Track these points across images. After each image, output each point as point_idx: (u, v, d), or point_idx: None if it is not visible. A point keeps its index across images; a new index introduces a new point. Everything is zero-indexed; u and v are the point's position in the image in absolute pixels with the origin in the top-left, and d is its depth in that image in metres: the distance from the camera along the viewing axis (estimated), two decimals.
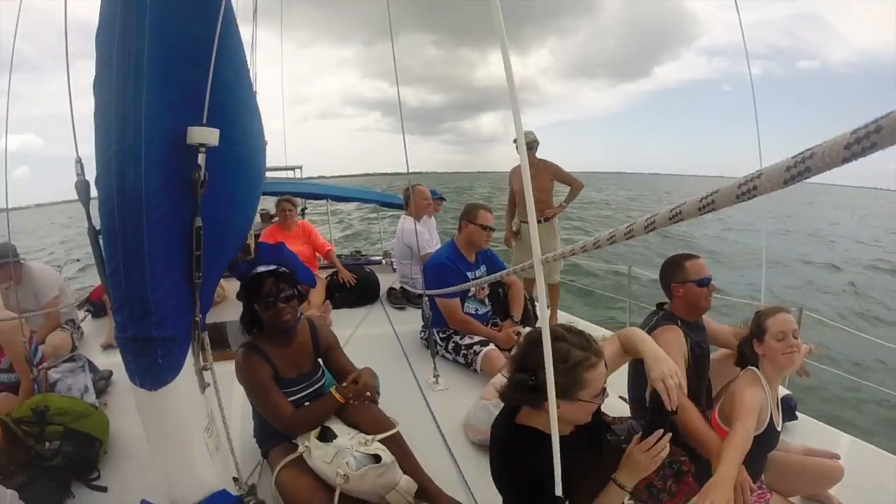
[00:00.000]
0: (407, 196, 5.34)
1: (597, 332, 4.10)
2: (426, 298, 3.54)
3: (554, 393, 1.27)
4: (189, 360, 1.66)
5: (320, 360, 2.60)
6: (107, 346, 4.44)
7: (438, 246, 4.69)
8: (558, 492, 1.31)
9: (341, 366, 2.56)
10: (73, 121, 1.81)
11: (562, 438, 1.58)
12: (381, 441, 2.23)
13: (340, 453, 2.16)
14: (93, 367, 3.61)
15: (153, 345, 1.50)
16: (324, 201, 8.11)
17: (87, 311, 5.41)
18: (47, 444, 2.69)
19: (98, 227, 1.57)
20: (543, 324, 1.30)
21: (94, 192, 1.60)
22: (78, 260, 11.67)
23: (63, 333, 4.29)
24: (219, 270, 1.77)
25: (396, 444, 2.26)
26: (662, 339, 2.12)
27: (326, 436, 2.27)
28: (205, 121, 1.49)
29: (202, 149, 1.48)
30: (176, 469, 1.74)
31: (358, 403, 2.38)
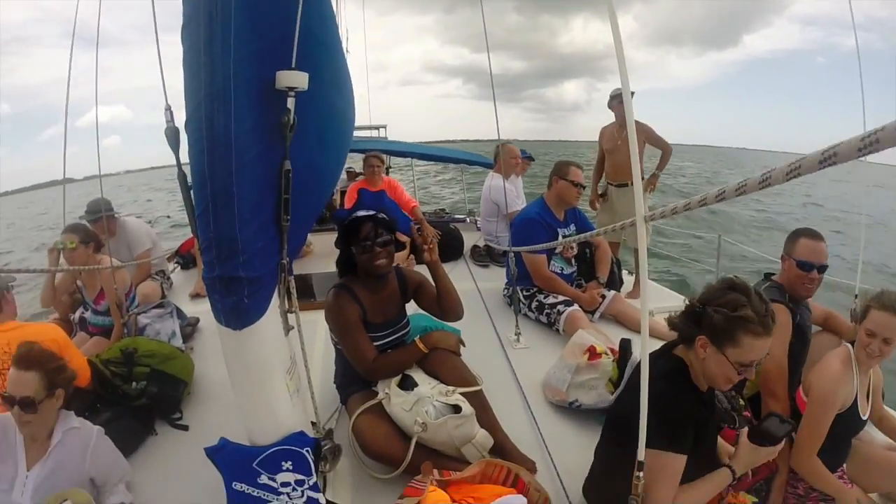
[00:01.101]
0: (496, 154, 5.29)
1: (677, 301, 3.99)
2: (512, 254, 3.50)
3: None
4: (274, 302, 1.68)
5: (407, 308, 2.63)
6: (195, 296, 4.70)
7: (524, 206, 4.61)
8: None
9: (433, 295, 2.57)
10: (161, 69, 1.87)
11: (697, 394, 1.68)
12: (461, 394, 2.22)
13: (420, 401, 2.17)
14: (181, 314, 3.77)
15: (239, 285, 1.51)
16: (407, 162, 8.14)
17: (176, 262, 5.74)
18: (134, 384, 2.82)
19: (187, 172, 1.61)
20: (644, 290, 1.24)
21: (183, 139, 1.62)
22: (168, 216, 12.26)
23: (153, 283, 4.53)
24: (306, 216, 1.77)
25: (476, 399, 2.26)
26: None
27: (407, 384, 2.29)
28: (293, 65, 1.47)
29: (291, 93, 1.47)
30: (256, 409, 1.77)
31: (439, 349, 2.42)
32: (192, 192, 1.53)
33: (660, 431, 1.47)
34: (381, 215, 2.40)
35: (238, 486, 1.78)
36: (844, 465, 2.20)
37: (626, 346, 2.68)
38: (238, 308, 1.54)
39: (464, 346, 2.57)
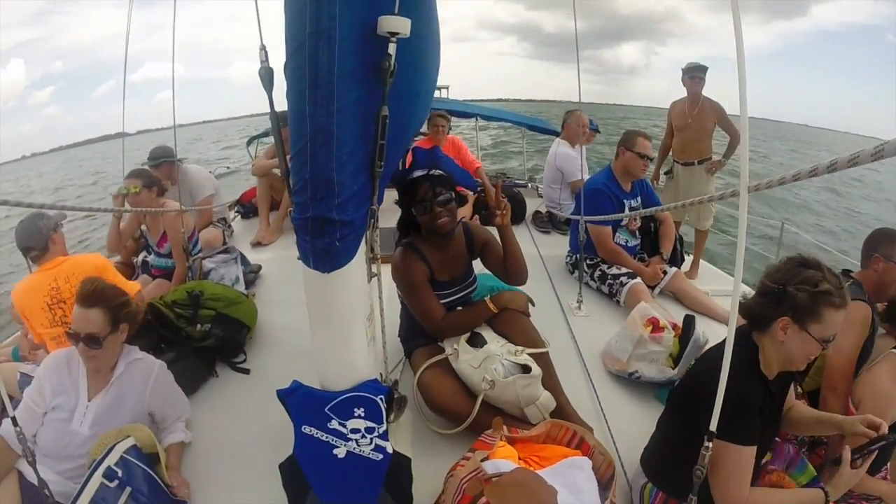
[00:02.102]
0: (564, 121, 5.24)
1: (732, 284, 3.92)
2: (582, 222, 3.45)
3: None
4: (361, 248, 1.68)
5: (474, 265, 2.61)
6: (255, 244, 4.76)
7: (587, 176, 4.55)
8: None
9: (499, 256, 2.53)
10: (258, 14, 1.92)
11: (765, 381, 1.66)
12: (530, 355, 2.21)
13: (490, 359, 2.17)
14: (244, 261, 3.85)
15: (332, 227, 1.51)
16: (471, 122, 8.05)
17: (237, 211, 5.81)
18: (198, 326, 2.88)
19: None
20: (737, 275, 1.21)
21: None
22: (228, 168, 12.47)
23: (215, 230, 4.63)
24: (394, 165, 1.76)
25: (542, 361, 2.25)
26: (851, 316, 1.91)
27: (477, 341, 2.28)
28: (396, 10, 1.45)
29: (393, 38, 1.45)
30: (334, 353, 1.78)
31: (508, 309, 2.41)
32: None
33: (731, 422, 1.45)
34: (437, 172, 2.36)
35: (307, 429, 1.79)
36: (888, 464, 2.14)
37: (689, 322, 2.66)
38: (329, 250, 1.54)
39: (533, 306, 2.56)
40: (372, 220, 1.68)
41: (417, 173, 2.34)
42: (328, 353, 1.79)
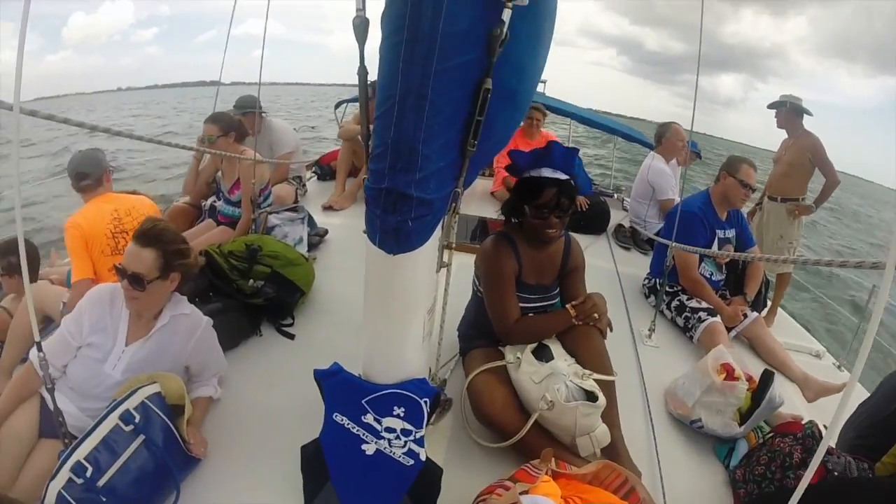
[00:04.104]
0: (661, 133, 4.91)
1: (811, 343, 3.61)
2: (672, 248, 3.18)
3: None
4: (435, 233, 1.50)
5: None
6: (327, 207, 4.70)
7: (677, 199, 4.27)
8: None
9: (576, 291, 2.35)
10: None
11: None
12: (596, 380, 1.99)
13: (553, 377, 1.96)
14: (311, 222, 3.80)
15: (408, 204, 1.34)
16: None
17: (314, 172, 5.79)
18: (251, 281, 2.81)
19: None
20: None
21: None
22: (313, 127, 12.63)
23: (289, 187, 4.64)
24: (488, 150, 1.55)
25: (606, 390, 2.01)
26: None
27: (542, 354, 2.08)
28: None
29: (510, 4, 1.25)
30: (385, 344, 1.63)
31: (584, 325, 2.18)
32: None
33: None
34: (570, 180, 2.15)
35: (338, 417, 1.67)
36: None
37: (767, 378, 2.38)
38: (400, 230, 1.37)
39: (611, 330, 2.33)
40: (454, 204, 1.51)
41: (547, 173, 2.13)
42: (378, 341, 1.65)
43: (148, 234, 1.90)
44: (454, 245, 1.64)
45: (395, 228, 1.37)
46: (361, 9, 1.45)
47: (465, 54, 1.27)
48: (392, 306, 1.55)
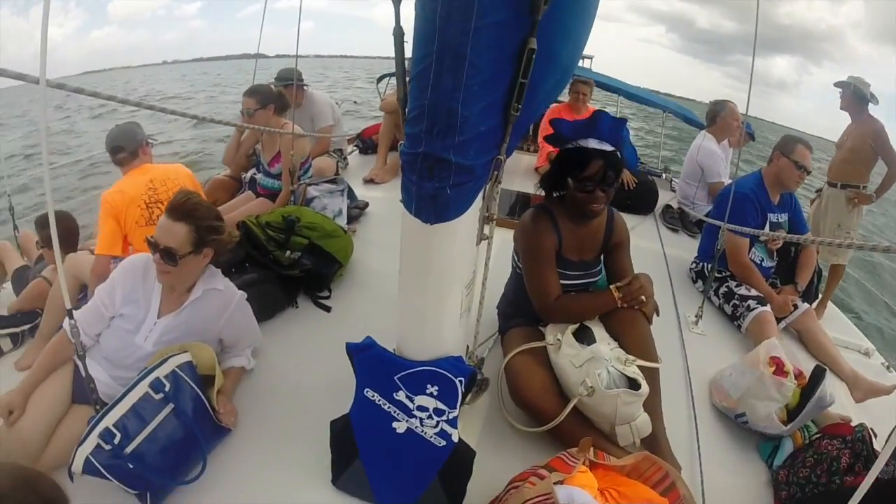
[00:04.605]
0: (715, 112, 4.68)
1: (861, 341, 3.40)
2: (724, 230, 3.02)
3: None
4: (476, 204, 1.41)
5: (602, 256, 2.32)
6: (368, 181, 4.68)
7: (728, 181, 4.08)
8: None
9: (622, 267, 2.24)
10: None
11: None
12: (639, 367, 1.89)
13: (595, 361, 1.86)
14: (351, 194, 3.78)
15: (446, 170, 1.25)
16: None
17: (356, 145, 5.79)
18: (288, 252, 2.79)
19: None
20: None
21: None
22: (355, 102, 12.62)
23: (329, 160, 4.62)
24: (529, 114, 1.45)
25: (650, 377, 1.90)
26: None
27: (583, 336, 1.98)
28: None
29: None
30: (421, 319, 1.57)
31: (629, 308, 2.07)
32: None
33: None
34: (617, 153, 2.03)
35: (369, 393, 1.62)
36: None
37: (818, 375, 2.22)
38: (437, 198, 1.29)
39: (658, 315, 2.21)
40: (496, 173, 1.41)
41: (593, 144, 2.01)
42: (414, 316, 1.58)
43: (181, 209, 1.86)
44: (496, 217, 1.55)
45: (432, 196, 1.29)
46: None
47: (507, 11, 1.16)
48: (428, 279, 1.47)
